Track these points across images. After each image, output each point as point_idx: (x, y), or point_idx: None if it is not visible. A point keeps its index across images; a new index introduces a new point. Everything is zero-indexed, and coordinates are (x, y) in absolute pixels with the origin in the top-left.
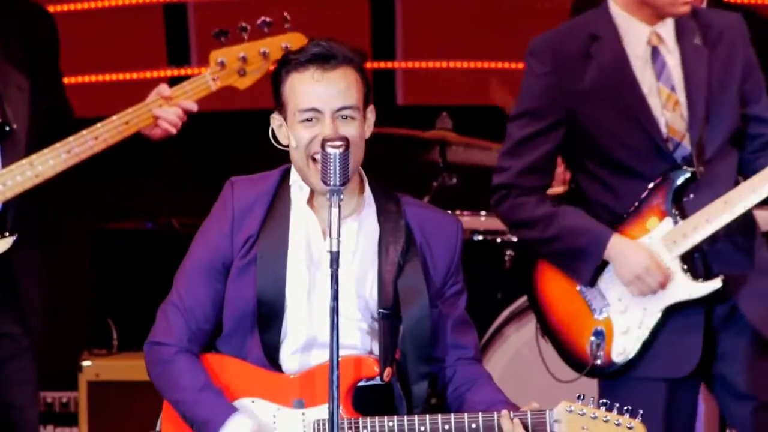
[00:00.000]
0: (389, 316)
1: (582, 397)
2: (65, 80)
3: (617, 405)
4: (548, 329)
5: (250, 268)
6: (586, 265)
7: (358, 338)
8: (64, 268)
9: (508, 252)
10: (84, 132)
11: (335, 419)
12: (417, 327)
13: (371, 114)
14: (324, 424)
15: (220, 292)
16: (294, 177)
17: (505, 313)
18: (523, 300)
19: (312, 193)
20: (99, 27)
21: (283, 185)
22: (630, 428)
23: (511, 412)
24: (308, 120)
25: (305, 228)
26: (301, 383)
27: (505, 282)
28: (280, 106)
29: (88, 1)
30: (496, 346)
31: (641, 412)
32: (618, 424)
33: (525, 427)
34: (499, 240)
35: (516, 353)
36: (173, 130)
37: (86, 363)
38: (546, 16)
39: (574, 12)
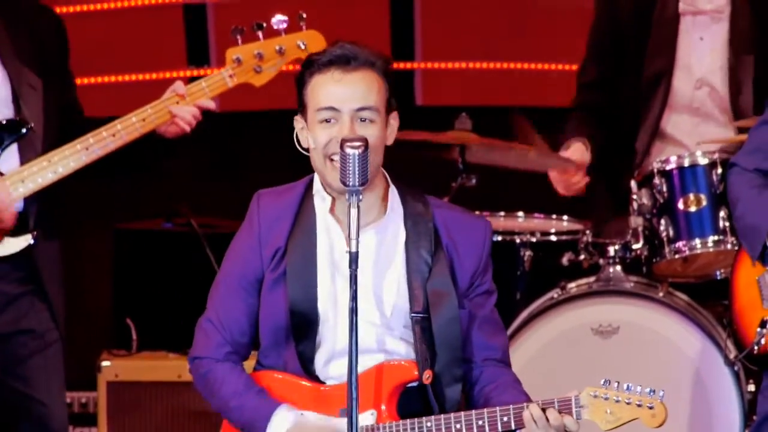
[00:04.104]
0: (422, 320)
1: (607, 382)
2: (87, 80)
3: (640, 386)
4: (730, 316)
5: (280, 281)
6: (753, 243)
7: (392, 344)
8: (83, 268)
9: (528, 253)
10: (102, 129)
11: (354, 419)
12: (447, 329)
13: (394, 121)
14: (372, 431)
15: (254, 306)
16: (317, 186)
17: (524, 315)
18: (541, 301)
19: (333, 201)
20: (119, 28)
21: (307, 195)
22: (651, 407)
23: (540, 401)
24: (326, 120)
25: (328, 237)
26: (344, 392)
27: (523, 283)
28: (302, 109)
29: (107, 2)
30: (515, 348)
31: (663, 392)
32: (639, 405)
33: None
34: (518, 240)
35: (534, 355)
36: (188, 128)
37: (105, 363)
38: (566, 16)
39: (597, 11)
